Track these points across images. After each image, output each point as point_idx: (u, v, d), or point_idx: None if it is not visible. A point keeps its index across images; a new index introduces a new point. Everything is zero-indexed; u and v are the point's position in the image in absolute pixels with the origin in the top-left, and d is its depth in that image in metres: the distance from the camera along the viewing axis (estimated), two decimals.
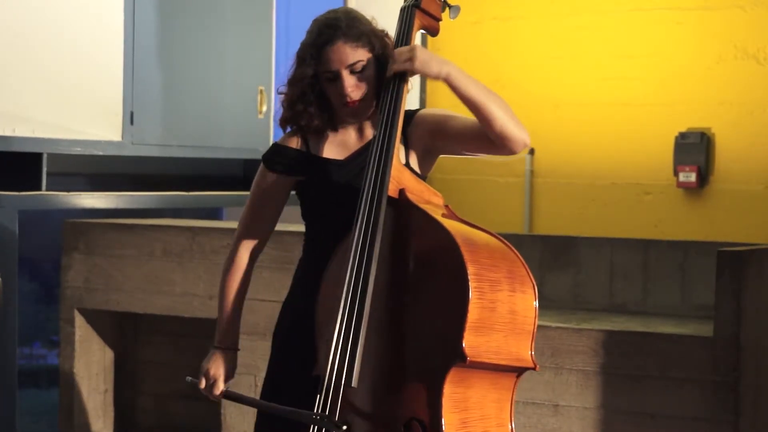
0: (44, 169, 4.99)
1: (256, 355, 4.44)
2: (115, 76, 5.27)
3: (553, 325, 4.06)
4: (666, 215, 6.67)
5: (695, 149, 6.54)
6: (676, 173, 6.60)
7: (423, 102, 7.26)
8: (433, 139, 3.03)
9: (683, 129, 6.60)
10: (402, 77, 2.93)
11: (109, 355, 5.32)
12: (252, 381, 4.56)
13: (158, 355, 5.36)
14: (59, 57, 5.04)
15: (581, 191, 6.89)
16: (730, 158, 6.53)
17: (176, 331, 5.24)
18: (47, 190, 5.03)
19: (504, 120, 2.87)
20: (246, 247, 3.14)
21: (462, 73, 2.89)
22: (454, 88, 2.89)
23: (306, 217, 3.13)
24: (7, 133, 4.84)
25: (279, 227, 3.19)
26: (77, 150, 5.12)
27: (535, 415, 4.03)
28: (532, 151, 7.00)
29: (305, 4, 6.64)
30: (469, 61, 7.17)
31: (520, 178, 7.05)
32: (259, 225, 3.14)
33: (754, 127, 6.48)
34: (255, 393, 4.37)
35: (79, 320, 5.14)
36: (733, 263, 3.83)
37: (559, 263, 4.82)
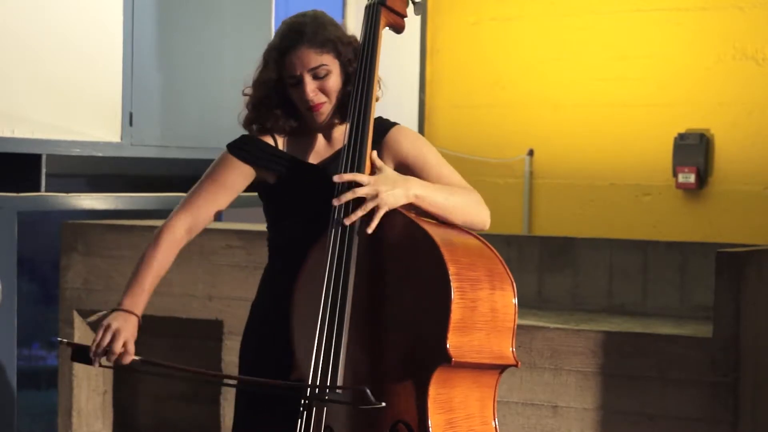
0: (43, 170, 4.98)
1: None
2: (115, 77, 5.27)
3: (552, 326, 4.06)
4: (665, 216, 6.67)
5: (694, 150, 6.54)
6: (675, 174, 6.60)
7: (422, 102, 7.25)
8: (404, 168, 2.99)
9: (682, 130, 6.60)
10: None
11: None
12: None
13: (157, 356, 5.33)
14: (58, 58, 5.03)
15: (580, 192, 6.89)
16: (729, 159, 6.53)
17: (175, 332, 5.24)
18: (46, 191, 5.02)
19: (465, 217, 2.91)
20: (185, 225, 2.95)
21: (424, 187, 2.87)
22: (421, 207, 2.87)
23: (272, 219, 3.04)
24: (6, 134, 4.83)
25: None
26: (76, 151, 5.12)
27: (534, 416, 4.03)
28: (531, 152, 7.00)
29: (304, 4, 6.64)
30: (468, 62, 7.17)
31: (519, 179, 7.05)
32: (206, 208, 2.97)
33: (753, 128, 6.48)
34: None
35: (78, 321, 5.14)
36: (732, 264, 3.83)
37: (557, 264, 4.81)
